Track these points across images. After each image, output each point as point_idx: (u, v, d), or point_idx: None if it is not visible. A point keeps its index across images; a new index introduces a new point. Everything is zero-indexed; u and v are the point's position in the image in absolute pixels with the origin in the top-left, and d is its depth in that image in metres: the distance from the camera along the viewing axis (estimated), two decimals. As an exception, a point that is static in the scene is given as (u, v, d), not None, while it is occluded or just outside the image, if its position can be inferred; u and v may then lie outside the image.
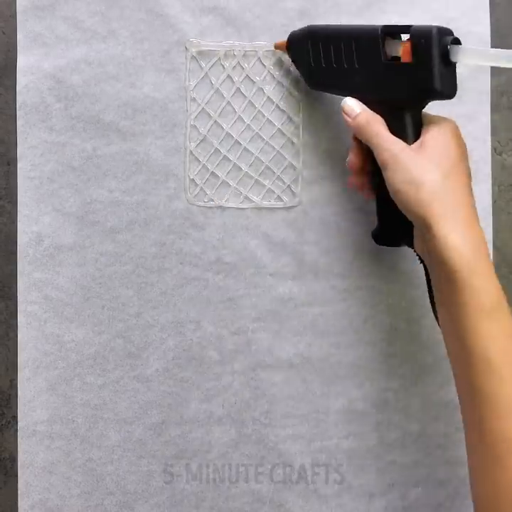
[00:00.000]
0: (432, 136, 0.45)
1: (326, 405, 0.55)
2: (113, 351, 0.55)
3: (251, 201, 0.55)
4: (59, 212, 0.55)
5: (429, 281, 0.47)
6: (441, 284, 0.44)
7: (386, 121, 0.47)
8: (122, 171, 0.54)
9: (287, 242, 0.55)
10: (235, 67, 0.54)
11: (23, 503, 0.54)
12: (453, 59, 0.44)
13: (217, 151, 0.55)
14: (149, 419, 0.55)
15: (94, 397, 0.54)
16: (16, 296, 0.54)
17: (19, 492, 0.54)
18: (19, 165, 0.54)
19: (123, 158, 0.54)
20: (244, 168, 0.55)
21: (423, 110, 0.48)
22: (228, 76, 0.54)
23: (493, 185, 0.56)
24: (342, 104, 0.49)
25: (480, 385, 0.41)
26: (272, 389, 0.55)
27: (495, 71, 0.56)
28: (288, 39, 0.53)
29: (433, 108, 0.55)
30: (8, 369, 0.55)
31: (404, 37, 0.46)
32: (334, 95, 0.53)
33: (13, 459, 0.55)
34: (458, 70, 0.46)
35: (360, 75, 0.48)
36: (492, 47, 0.55)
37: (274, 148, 0.55)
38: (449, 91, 0.46)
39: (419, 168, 0.44)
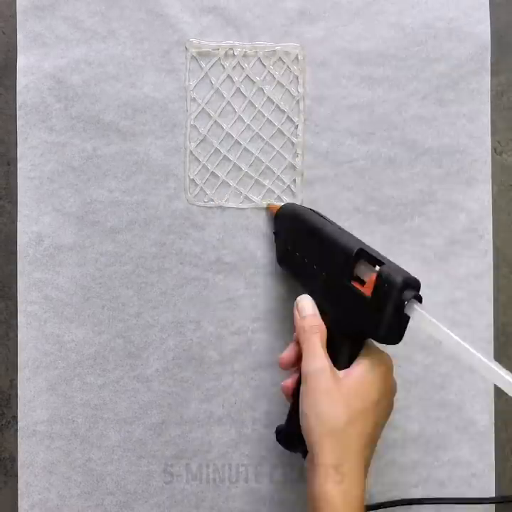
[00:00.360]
0: (358, 372, 0.45)
1: (326, 405, 0.55)
2: (113, 351, 0.55)
3: (251, 201, 0.55)
4: (59, 212, 0.55)
5: None
6: None
7: (329, 334, 0.47)
8: (122, 171, 0.54)
9: (287, 242, 0.55)
10: (235, 67, 0.54)
11: (23, 503, 0.54)
12: (407, 313, 0.43)
13: (217, 151, 0.55)
14: (149, 419, 0.55)
15: (94, 397, 0.54)
16: (16, 296, 0.54)
17: (19, 492, 0.54)
18: (19, 165, 0.54)
19: (123, 158, 0.54)
20: (244, 168, 0.55)
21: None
22: (228, 76, 0.54)
23: (493, 185, 0.56)
24: (297, 300, 0.49)
25: None
26: (272, 389, 0.55)
27: (495, 71, 0.56)
28: (279, 209, 0.53)
29: (433, 109, 0.55)
30: (8, 369, 0.55)
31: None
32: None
33: (13, 459, 0.55)
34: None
35: (323, 283, 0.48)
36: (492, 46, 0.55)
37: (274, 148, 0.55)
38: (392, 339, 0.44)
39: (329, 399, 0.43)
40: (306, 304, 0.48)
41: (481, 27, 0.55)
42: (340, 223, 0.51)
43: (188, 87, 0.54)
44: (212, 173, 0.55)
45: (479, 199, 0.55)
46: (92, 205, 0.54)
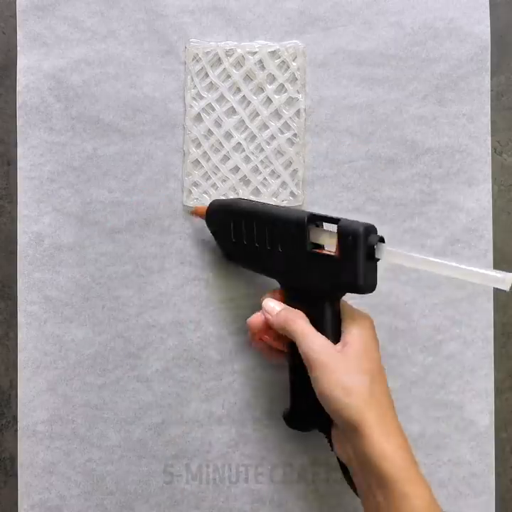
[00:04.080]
0: (353, 337, 0.46)
1: (326, 405, 0.55)
2: (113, 351, 0.55)
3: (251, 201, 0.55)
4: (59, 212, 0.55)
5: (344, 468, 0.47)
6: (371, 488, 0.43)
7: (305, 311, 0.47)
8: (122, 171, 0.54)
9: (287, 242, 0.55)
10: (235, 67, 0.54)
11: (23, 503, 0.54)
12: (377, 256, 0.44)
13: (217, 151, 0.55)
14: (149, 419, 0.55)
15: (94, 397, 0.54)
16: (16, 296, 0.54)
17: (19, 492, 0.54)
18: (19, 165, 0.54)
19: (123, 158, 0.54)
20: (244, 168, 0.55)
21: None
22: (228, 76, 0.54)
23: (493, 185, 0.56)
24: (263, 303, 0.49)
25: None
26: (272, 389, 0.55)
27: (495, 71, 0.56)
28: (208, 209, 0.52)
29: (433, 109, 0.55)
30: (8, 369, 0.55)
31: (328, 225, 0.46)
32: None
33: (13, 459, 0.55)
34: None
35: (282, 259, 0.48)
36: (492, 46, 0.55)
37: (274, 148, 0.55)
38: (370, 286, 0.46)
39: (347, 372, 0.44)
40: (272, 304, 0.49)
41: (481, 27, 0.55)
42: (343, 215, 0.51)
43: (188, 87, 0.54)
44: (213, 173, 0.55)
45: (479, 199, 0.55)
46: (92, 205, 0.55)
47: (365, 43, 0.55)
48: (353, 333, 0.46)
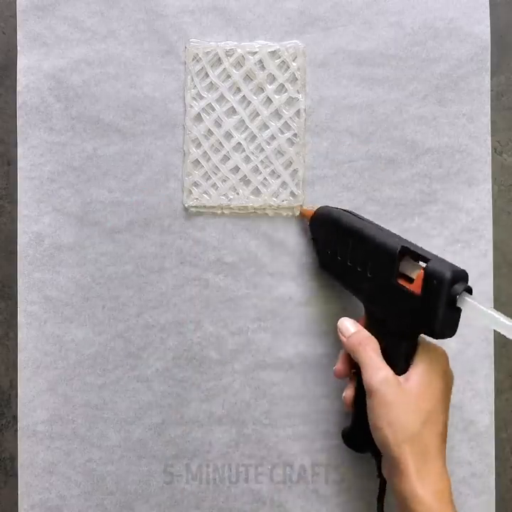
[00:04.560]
0: (419, 374, 0.45)
1: (326, 405, 0.55)
2: (113, 351, 0.55)
3: (251, 201, 0.55)
4: (59, 212, 0.55)
5: (381, 495, 0.49)
6: None
7: (380, 341, 0.47)
8: (122, 171, 0.54)
9: (287, 242, 0.55)
10: (235, 67, 0.54)
11: (23, 503, 0.54)
12: (459, 306, 0.43)
13: (217, 151, 0.55)
14: (149, 419, 0.55)
15: (94, 397, 0.54)
16: (16, 296, 0.54)
17: (19, 492, 0.54)
18: (19, 165, 0.54)
19: (123, 158, 0.54)
20: (244, 168, 0.55)
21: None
22: (228, 76, 0.54)
23: (493, 185, 0.56)
24: (338, 323, 0.50)
25: None
26: (272, 389, 0.55)
27: (495, 71, 0.56)
28: (314, 215, 0.53)
29: (433, 109, 0.55)
30: (8, 369, 0.55)
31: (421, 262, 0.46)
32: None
33: (13, 459, 0.55)
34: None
35: (369, 284, 0.48)
36: (492, 46, 0.55)
37: (274, 148, 0.55)
38: (448, 333, 0.45)
39: (400, 407, 0.44)
40: (348, 325, 0.49)
41: (481, 27, 0.55)
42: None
43: (188, 87, 0.54)
44: (213, 173, 0.55)
45: (479, 199, 0.55)
46: (92, 205, 0.55)
47: (365, 43, 0.55)
48: (419, 369, 0.46)
